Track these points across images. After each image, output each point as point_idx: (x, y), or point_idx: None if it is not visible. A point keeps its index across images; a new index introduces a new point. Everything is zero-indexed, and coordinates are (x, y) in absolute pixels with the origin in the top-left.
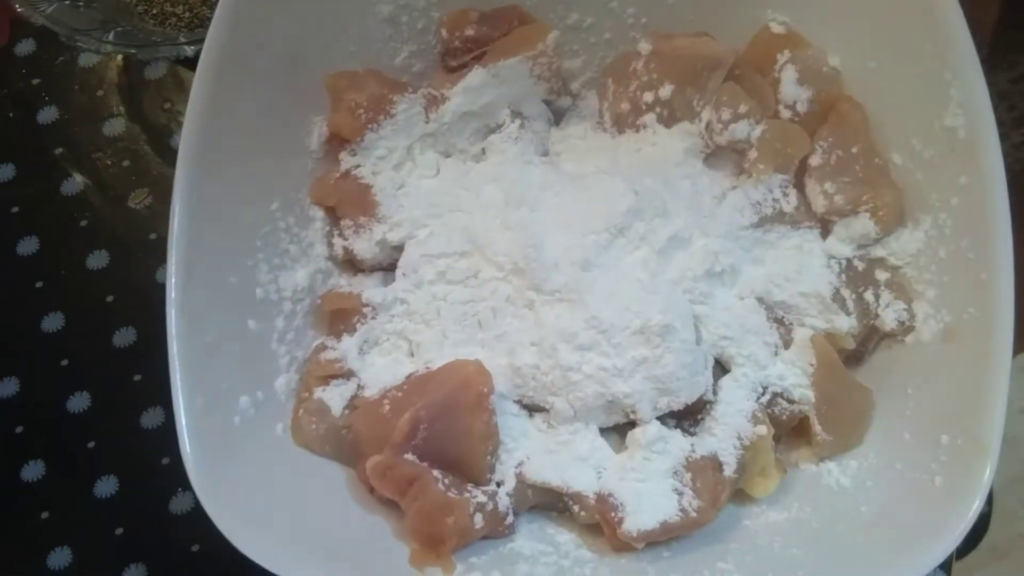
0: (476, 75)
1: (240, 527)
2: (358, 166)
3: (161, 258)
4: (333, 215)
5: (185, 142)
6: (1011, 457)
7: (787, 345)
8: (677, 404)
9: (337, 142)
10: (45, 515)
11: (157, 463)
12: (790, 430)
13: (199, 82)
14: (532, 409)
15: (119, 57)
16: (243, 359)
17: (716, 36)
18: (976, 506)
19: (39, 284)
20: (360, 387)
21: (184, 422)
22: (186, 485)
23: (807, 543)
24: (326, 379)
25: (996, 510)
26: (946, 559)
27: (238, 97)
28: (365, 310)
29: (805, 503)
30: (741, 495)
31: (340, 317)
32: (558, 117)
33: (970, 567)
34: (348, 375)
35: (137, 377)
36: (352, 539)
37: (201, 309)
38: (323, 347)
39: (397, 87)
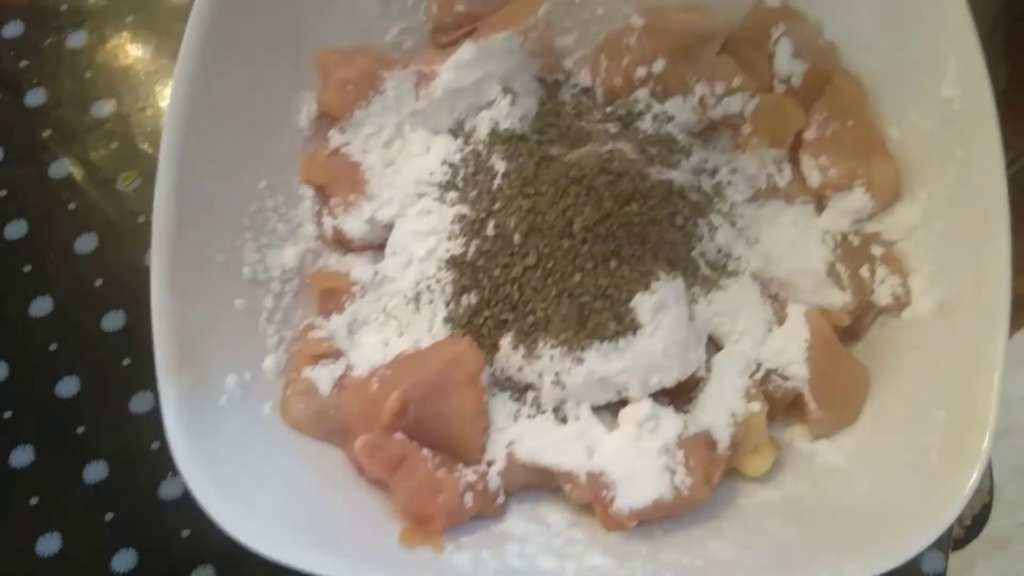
0: (466, 50)
1: (226, 507)
2: (347, 144)
3: (150, 241)
4: (323, 194)
5: (170, 121)
6: (1012, 447)
7: (781, 321)
8: (669, 381)
9: (327, 120)
10: (34, 501)
11: (147, 448)
12: (785, 407)
13: (183, 59)
14: (523, 389)
15: (109, 36)
16: (230, 339)
17: (710, 11)
18: (973, 480)
19: (27, 268)
20: (349, 366)
21: (169, 402)
22: (176, 470)
23: (801, 521)
24: (315, 358)
25: (997, 500)
26: (944, 539)
27: (224, 75)
28: (354, 289)
29: (799, 481)
30: (735, 473)
31: (329, 296)
32: (551, 94)
33: (972, 557)
34: (337, 354)
35: (126, 361)
36: (342, 519)
37: (187, 289)
38: (312, 326)
39: (387, 63)
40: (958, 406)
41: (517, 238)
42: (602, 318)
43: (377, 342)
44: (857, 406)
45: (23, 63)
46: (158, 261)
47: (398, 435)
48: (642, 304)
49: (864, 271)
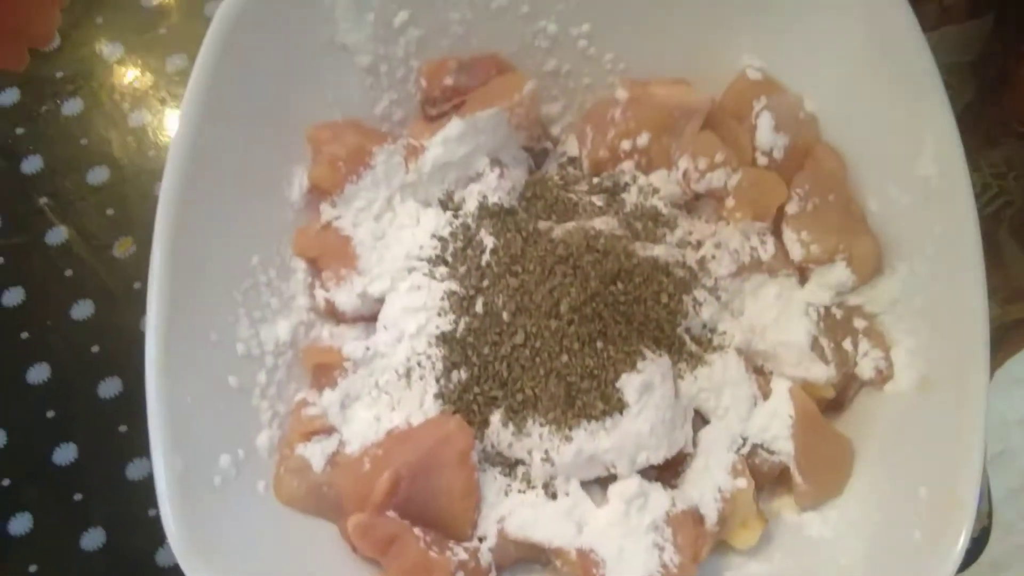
0: (454, 126)
1: None
2: (338, 217)
3: (146, 307)
4: (315, 266)
5: (164, 199)
6: (1009, 469)
7: (766, 396)
8: (657, 459)
9: (318, 193)
10: (33, 568)
11: (143, 515)
12: (772, 479)
13: (179, 137)
14: (512, 464)
15: (104, 103)
16: (224, 417)
17: (693, 82)
18: (953, 563)
19: (24, 335)
20: (342, 443)
21: (164, 488)
22: None
23: None
24: (308, 435)
25: (995, 523)
26: None
27: (219, 151)
28: (346, 364)
29: (787, 554)
30: (723, 545)
31: (322, 371)
32: (538, 162)
33: None
34: (330, 431)
35: (123, 428)
36: None
37: (181, 370)
38: (305, 403)
39: (377, 138)
40: (940, 485)
41: (505, 316)
42: (589, 398)
43: (369, 417)
44: (842, 479)
45: (20, 130)
46: (152, 345)
47: (390, 513)
48: (628, 384)
49: (847, 344)
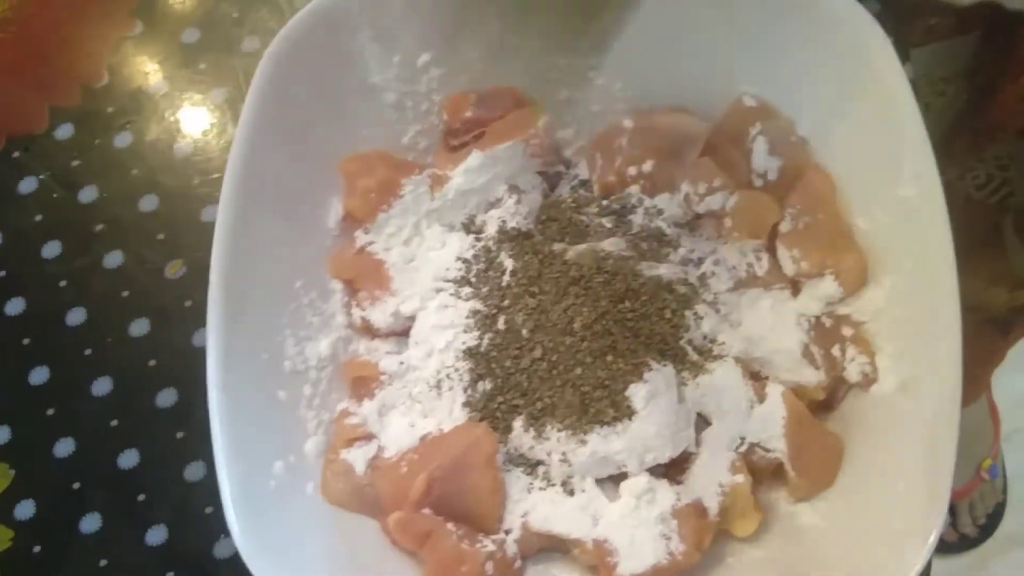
0: (475, 158)
1: None
2: (371, 243)
3: (196, 323)
4: (351, 287)
5: (219, 234)
6: None
7: (762, 399)
8: (663, 458)
9: (352, 221)
10: (103, 563)
11: (201, 512)
12: (768, 474)
13: (229, 174)
14: (534, 465)
15: (152, 136)
16: (276, 428)
17: (693, 108)
18: (929, 549)
19: (88, 351)
20: (380, 448)
21: (228, 493)
22: (228, 532)
23: None
24: (350, 442)
25: (1010, 499)
26: None
27: (264, 186)
28: (382, 377)
29: (782, 541)
30: (725, 534)
31: (360, 383)
32: (552, 183)
33: (986, 556)
34: (369, 437)
35: (180, 434)
36: None
37: (238, 387)
38: (347, 413)
39: (405, 169)
40: (917, 479)
41: (525, 333)
42: (601, 405)
43: (404, 424)
44: (832, 472)
45: (75, 163)
46: (213, 365)
47: (425, 511)
48: (636, 393)
49: (836, 350)
